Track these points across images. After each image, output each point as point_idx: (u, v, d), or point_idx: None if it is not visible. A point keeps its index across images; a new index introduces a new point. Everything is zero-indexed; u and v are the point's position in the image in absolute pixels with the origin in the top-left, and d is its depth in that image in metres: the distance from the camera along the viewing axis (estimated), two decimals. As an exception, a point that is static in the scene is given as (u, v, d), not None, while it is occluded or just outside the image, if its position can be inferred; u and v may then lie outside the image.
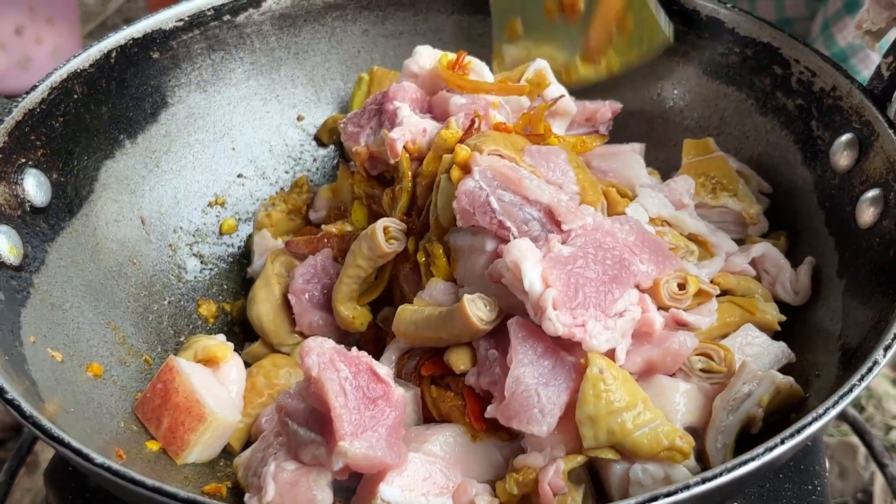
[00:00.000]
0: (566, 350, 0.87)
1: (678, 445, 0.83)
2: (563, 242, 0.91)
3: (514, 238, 0.91)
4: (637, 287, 0.91)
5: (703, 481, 0.69)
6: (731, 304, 0.98)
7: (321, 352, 0.84)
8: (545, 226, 0.93)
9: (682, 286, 0.93)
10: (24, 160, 0.98)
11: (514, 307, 0.89)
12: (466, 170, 0.95)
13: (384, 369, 0.86)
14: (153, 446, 0.95)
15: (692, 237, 1.02)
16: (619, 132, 1.19)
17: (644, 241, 0.94)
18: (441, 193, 0.97)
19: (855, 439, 1.47)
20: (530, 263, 0.87)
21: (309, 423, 0.85)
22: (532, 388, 0.84)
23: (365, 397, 0.84)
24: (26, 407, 0.77)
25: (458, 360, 0.91)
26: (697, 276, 0.96)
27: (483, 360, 0.90)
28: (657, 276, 0.93)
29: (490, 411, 0.87)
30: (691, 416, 0.90)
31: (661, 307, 0.92)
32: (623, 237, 0.93)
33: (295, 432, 0.85)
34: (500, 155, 0.97)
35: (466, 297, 0.89)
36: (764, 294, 1.01)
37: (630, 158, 1.09)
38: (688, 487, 0.69)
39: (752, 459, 0.71)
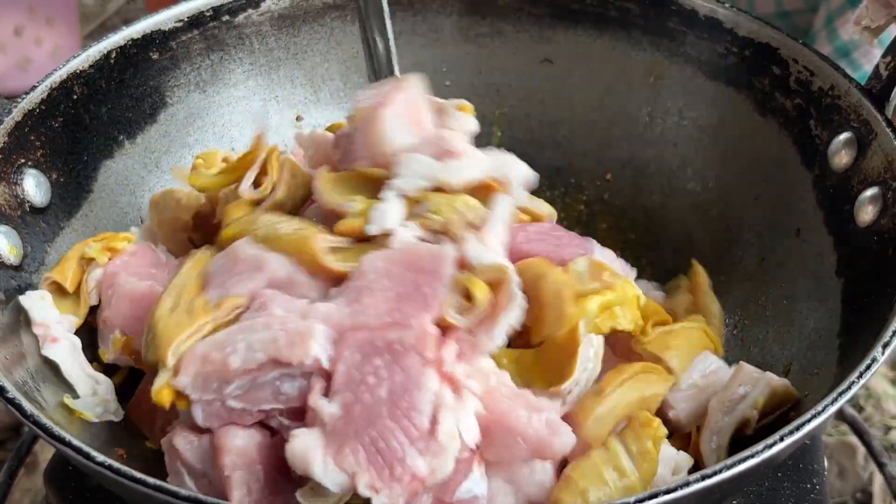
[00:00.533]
0: (442, 493, 0.76)
1: None
2: (327, 392, 0.75)
3: (282, 416, 0.77)
4: (426, 353, 0.76)
5: (703, 478, 0.69)
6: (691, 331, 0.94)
7: (239, 452, 0.77)
8: (294, 375, 0.76)
9: (467, 296, 0.79)
10: (23, 160, 0.98)
11: None
12: (180, 396, 0.79)
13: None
14: (153, 445, 0.95)
15: (476, 190, 0.85)
16: (617, 133, 1.20)
17: (398, 285, 0.78)
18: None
19: (854, 439, 1.48)
20: (319, 465, 0.73)
21: (198, 479, 0.80)
22: None
23: (272, 493, 0.78)
24: (27, 406, 0.77)
25: None
26: (477, 270, 0.80)
27: None
28: (433, 314, 0.77)
29: None
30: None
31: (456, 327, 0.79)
32: (375, 313, 0.77)
33: (184, 484, 0.80)
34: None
35: (299, 495, 0.76)
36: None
37: (383, 122, 0.87)
38: (687, 485, 0.69)
39: (752, 456, 0.71)
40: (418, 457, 0.73)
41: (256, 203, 0.92)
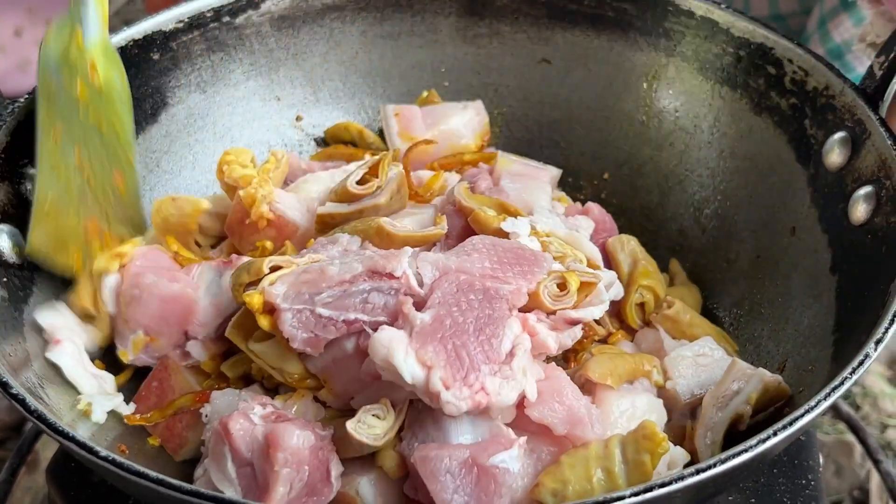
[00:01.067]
0: (478, 454, 0.82)
1: None
2: (419, 307, 0.84)
3: (367, 327, 0.84)
4: (514, 309, 0.87)
5: (698, 472, 0.70)
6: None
7: (294, 451, 0.81)
8: (383, 290, 0.86)
9: (562, 286, 0.90)
10: (26, 159, 0.98)
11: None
12: (270, 309, 0.86)
13: (337, 470, 0.84)
14: (155, 442, 0.96)
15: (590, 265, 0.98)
16: (614, 132, 1.21)
17: (503, 257, 0.90)
18: (266, 356, 0.89)
19: (851, 437, 1.48)
20: (401, 354, 0.80)
21: (241, 467, 0.83)
22: None
23: (307, 494, 0.82)
24: (31, 402, 0.78)
25: (389, 464, 0.85)
26: (575, 270, 0.92)
27: (414, 472, 0.83)
28: (531, 287, 0.88)
29: None
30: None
31: (549, 313, 0.90)
32: (479, 266, 0.88)
33: (224, 468, 0.84)
34: (278, 267, 0.88)
35: (349, 425, 0.83)
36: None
37: (537, 187, 1.07)
38: (682, 478, 0.69)
39: (746, 451, 0.72)
40: (491, 374, 0.81)
41: (355, 199, 0.99)
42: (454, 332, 0.82)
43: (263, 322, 0.86)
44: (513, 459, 0.82)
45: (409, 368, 0.80)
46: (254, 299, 0.86)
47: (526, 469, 0.83)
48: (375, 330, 0.82)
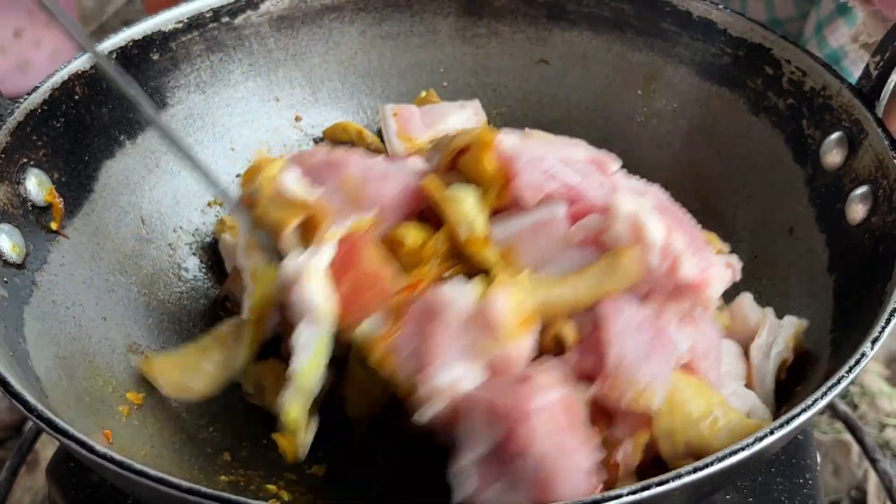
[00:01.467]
0: (659, 320, 0.86)
1: None
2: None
3: (588, 191, 0.88)
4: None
5: (695, 470, 0.70)
6: None
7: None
8: (599, 180, 0.91)
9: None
10: (25, 160, 0.99)
11: None
12: (498, 150, 0.90)
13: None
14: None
15: None
16: (613, 132, 1.21)
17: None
18: (459, 204, 0.90)
19: (849, 437, 1.49)
20: (647, 213, 0.85)
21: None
22: (637, 364, 0.82)
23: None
24: (31, 400, 0.78)
25: (571, 334, 0.86)
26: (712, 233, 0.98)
27: (592, 325, 0.85)
28: (699, 236, 0.92)
29: (594, 391, 0.82)
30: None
31: None
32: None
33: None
34: None
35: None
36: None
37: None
38: (679, 476, 0.70)
39: (743, 449, 0.72)
40: (714, 261, 0.88)
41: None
42: (676, 218, 0.88)
43: (489, 161, 0.89)
44: (684, 339, 0.86)
45: (656, 226, 0.84)
46: (490, 135, 0.90)
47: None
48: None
